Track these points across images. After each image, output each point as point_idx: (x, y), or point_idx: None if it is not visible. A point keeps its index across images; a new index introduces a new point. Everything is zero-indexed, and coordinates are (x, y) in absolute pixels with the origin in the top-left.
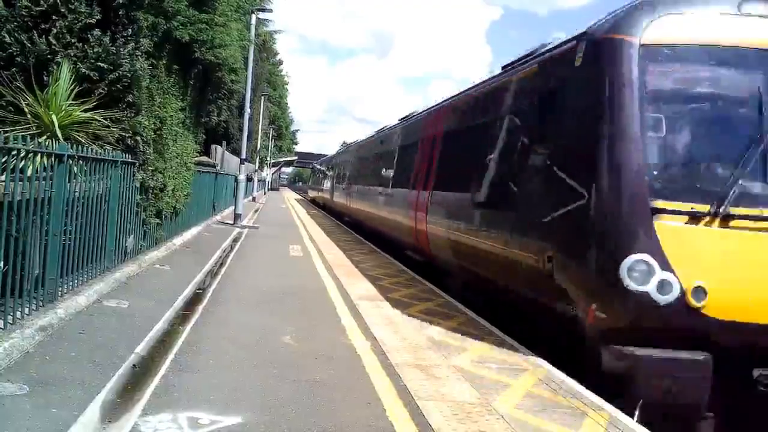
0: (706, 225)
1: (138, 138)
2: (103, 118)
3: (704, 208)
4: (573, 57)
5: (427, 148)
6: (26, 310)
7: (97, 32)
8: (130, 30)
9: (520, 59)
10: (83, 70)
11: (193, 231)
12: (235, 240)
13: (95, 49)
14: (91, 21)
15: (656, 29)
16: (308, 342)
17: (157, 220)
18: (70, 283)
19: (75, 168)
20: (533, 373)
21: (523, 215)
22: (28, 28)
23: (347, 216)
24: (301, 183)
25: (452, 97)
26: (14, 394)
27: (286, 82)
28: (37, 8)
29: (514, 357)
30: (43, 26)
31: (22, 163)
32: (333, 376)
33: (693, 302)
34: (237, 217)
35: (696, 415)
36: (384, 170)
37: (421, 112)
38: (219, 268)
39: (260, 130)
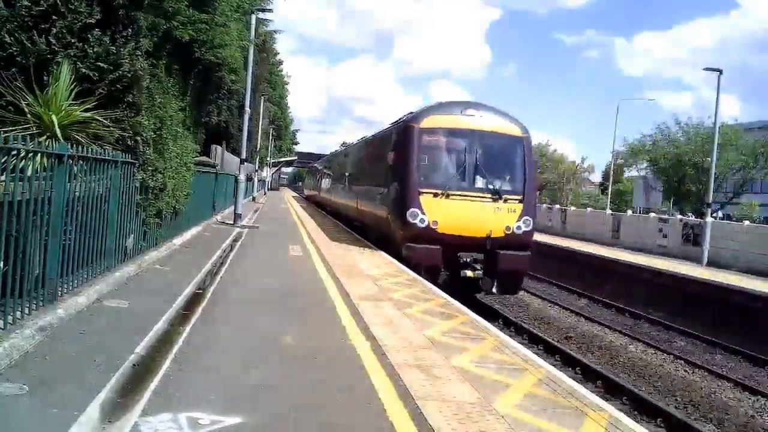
0: (440, 198)
1: (138, 138)
2: (103, 118)
3: (439, 191)
4: (401, 129)
5: (359, 161)
6: (26, 310)
7: (97, 32)
8: (130, 30)
9: (395, 121)
10: (83, 70)
11: (193, 231)
12: (235, 240)
13: (95, 49)
14: (91, 21)
15: (426, 121)
16: (309, 342)
17: (157, 220)
18: (70, 283)
19: (75, 168)
20: (533, 373)
21: (383, 197)
22: (28, 28)
23: (328, 206)
24: (301, 183)
25: (367, 136)
26: (14, 394)
27: (286, 82)
28: (37, 8)
29: (514, 358)
30: (43, 26)
31: (22, 163)
32: (333, 376)
33: (432, 227)
34: (237, 216)
35: (438, 269)
36: (343, 174)
37: (360, 140)
38: (219, 268)
39: (260, 130)
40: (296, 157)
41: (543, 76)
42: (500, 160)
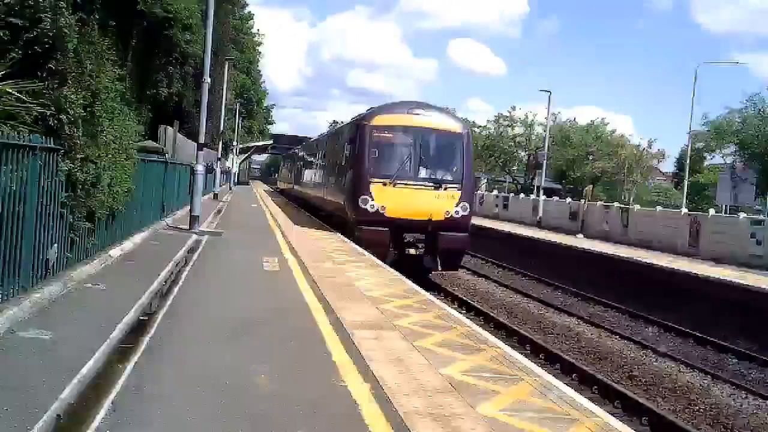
0: (388, 186)
1: (63, 117)
2: (17, 91)
3: (387, 180)
4: (355, 126)
5: (327, 153)
6: None
7: None
8: None
9: (354, 117)
10: None
11: (137, 238)
12: (192, 250)
13: (5, 0)
14: None
15: (376, 119)
16: (289, 386)
17: (89, 225)
18: None
19: None
20: (586, 424)
21: (341, 185)
22: None
23: (305, 201)
24: (277, 175)
25: (336, 126)
26: None
27: (258, 42)
28: None
29: (561, 405)
30: None
31: None
32: None
33: (381, 211)
34: (194, 220)
35: (386, 248)
36: (317, 164)
37: (330, 130)
38: (171, 287)
39: (224, 106)
40: (271, 141)
41: (595, 35)
42: (441, 153)
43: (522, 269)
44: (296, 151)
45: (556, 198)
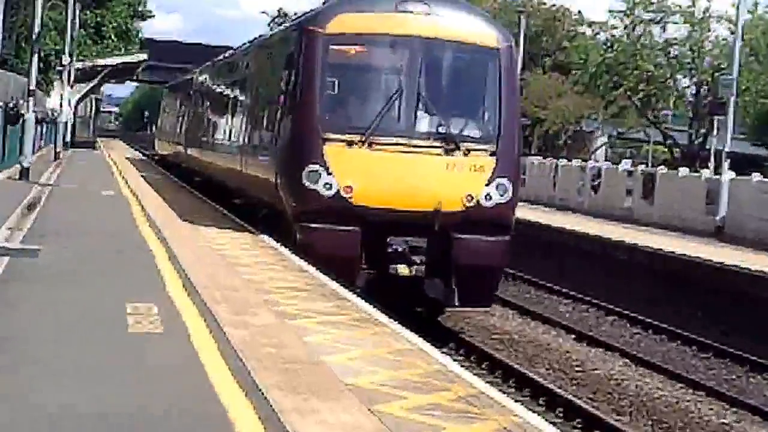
0: (358, 148)
1: None
2: None
3: (356, 137)
4: (298, 33)
5: (246, 85)
6: None
7: None
8: None
9: (297, 17)
10: None
11: None
12: None
13: None
14: None
15: (336, 23)
16: None
17: None
18: None
19: None
20: None
21: (269, 147)
22: None
23: (201, 173)
24: (155, 128)
25: (257, 40)
26: None
27: None
28: None
29: None
30: None
31: None
32: None
33: (345, 195)
34: None
35: (354, 264)
36: (221, 117)
37: (257, 41)
38: None
39: None
40: (144, 57)
41: None
42: (460, 86)
43: (684, 329)
44: (193, 78)
45: (756, 176)
